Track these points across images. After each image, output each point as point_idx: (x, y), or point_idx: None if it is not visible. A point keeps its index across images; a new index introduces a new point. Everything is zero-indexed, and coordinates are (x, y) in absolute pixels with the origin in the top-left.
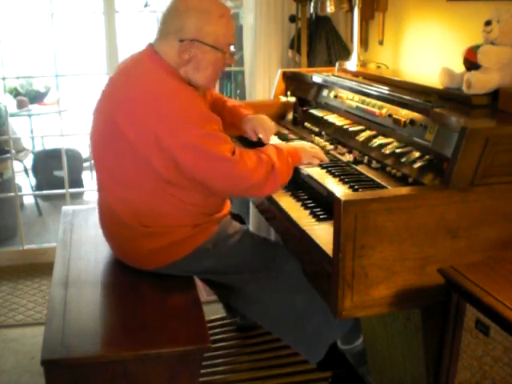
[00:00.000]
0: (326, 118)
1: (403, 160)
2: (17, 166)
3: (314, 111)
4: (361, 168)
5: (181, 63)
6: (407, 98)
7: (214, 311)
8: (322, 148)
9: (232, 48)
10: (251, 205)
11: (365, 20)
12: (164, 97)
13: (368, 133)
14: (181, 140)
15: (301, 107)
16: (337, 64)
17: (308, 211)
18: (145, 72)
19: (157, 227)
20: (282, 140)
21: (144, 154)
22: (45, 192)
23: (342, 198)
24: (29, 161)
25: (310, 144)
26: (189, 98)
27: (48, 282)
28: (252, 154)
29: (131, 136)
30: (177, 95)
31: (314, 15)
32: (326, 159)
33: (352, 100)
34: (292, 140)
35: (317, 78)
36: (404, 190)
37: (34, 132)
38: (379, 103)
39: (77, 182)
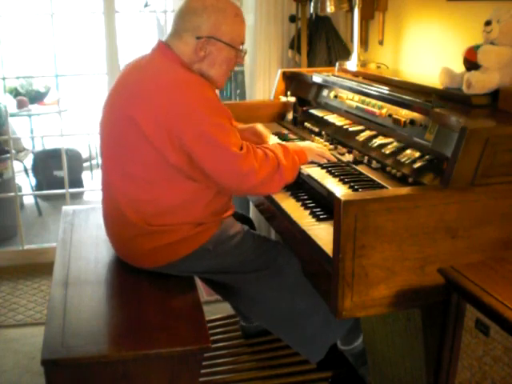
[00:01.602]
0: (326, 117)
1: (403, 160)
2: (17, 166)
3: (313, 111)
4: (361, 168)
5: (196, 59)
6: (407, 98)
7: (214, 311)
8: None
9: (243, 48)
10: (251, 205)
11: (365, 20)
12: (175, 86)
13: (368, 133)
14: (190, 127)
15: (301, 107)
16: (337, 64)
17: (308, 211)
18: (159, 66)
19: (160, 225)
20: (282, 140)
21: (159, 147)
22: (45, 192)
23: (342, 198)
24: (29, 161)
25: (316, 144)
26: (201, 88)
27: (48, 282)
28: (258, 151)
29: (146, 128)
30: (188, 84)
31: (313, 15)
32: (333, 158)
33: (352, 100)
34: (292, 140)
35: (317, 78)
36: (404, 190)
37: (34, 132)
38: (379, 103)
39: (77, 182)
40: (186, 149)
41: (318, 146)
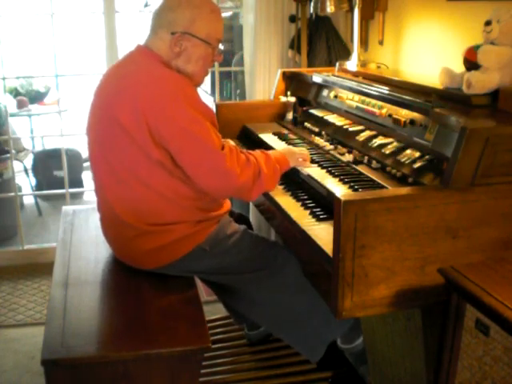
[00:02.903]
0: (326, 117)
1: (403, 160)
2: (17, 166)
3: (314, 111)
4: (361, 168)
5: (172, 56)
6: (407, 97)
7: (214, 311)
8: (322, 148)
9: (220, 46)
10: (251, 205)
11: (365, 20)
12: (154, 82)
13: (368, 133)
14: (168, 122)
15: (301, 107)
16: (337, 64)
17: (308, 211)
18: (138, 65)
19: (155, 224)
20: (282, 140)
21: (141, 143)
22: (45, 192)
23: (342, 198)
24: (29, 161)
25: (296, 148)
26: (180, 84)
27: (48, 282)
28: (241, 155)
29: (128, 125)
30: (167, 80)
31: (313, 15)
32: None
33: (352, 100)
34: (292, 140)
35: (317, 78)
36: (404, 190)
37: (34, 132)
38: (379, 103)
39: (77, 182)
40: (165, 144)
41: (300, 150)
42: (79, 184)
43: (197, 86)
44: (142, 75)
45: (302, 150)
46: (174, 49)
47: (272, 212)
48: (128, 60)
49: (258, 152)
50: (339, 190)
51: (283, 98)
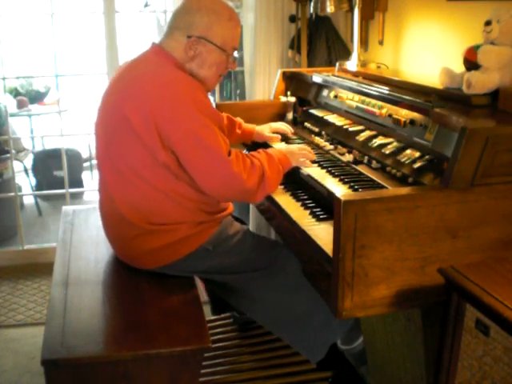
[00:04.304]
0: (326, 117)
1: (403, 160)
2: (17, 166)
3: (314, 111)
4: (361, 168)
5: (186, 59)
6: (407, 98)
7: None
8: (322, 148)
9: (235, 53)
10: (251, 205)
11: (365, 20)
12: (166, 85)
13: (368, 133)
14: (178, 127)
15: (301, 107)
16: (337, 64)
17: (308, 211)
18: (151, 65)
19: (158, 224)
20: (282, 140)
21: (149, 145)
22: (45, 192)
23: (342, 198)
24: (29, 161)
25: (296, 146)
26: (191, 89)
27: (48, 282)
28: (246, 159)
29: (137, 127)
30: (179, 84)
31: (313, 15)
32: (313, 157)
33: (352, 100)
34: (292, 140)
35: (317, 78)
36: (404, 190)
37: (34, 132)
38: (379, 103)
39: (77, 182)
40: (174, 148)
41: (299, 148)
42: (79, 184)
43: (208, 91)
44: (154, 77)
45: (303, 148)
46: (188, 52)
47: (272, 212)
48: (142, 60)
49: (261, 153)
50: (339, 190)
51: (283, 98)
